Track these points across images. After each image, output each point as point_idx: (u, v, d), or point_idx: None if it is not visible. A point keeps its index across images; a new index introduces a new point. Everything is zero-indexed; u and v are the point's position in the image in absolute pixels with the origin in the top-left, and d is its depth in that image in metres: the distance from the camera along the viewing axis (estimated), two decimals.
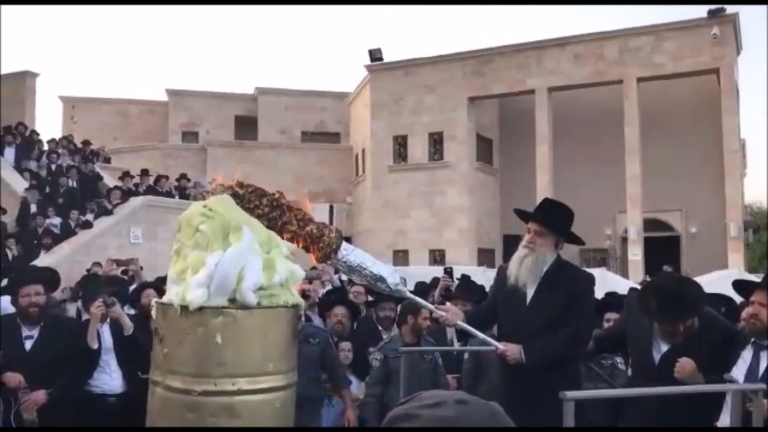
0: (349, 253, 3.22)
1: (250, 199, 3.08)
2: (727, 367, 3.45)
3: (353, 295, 7.21)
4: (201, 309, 2.67)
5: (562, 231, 3.80)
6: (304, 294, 3.47)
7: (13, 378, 4.33)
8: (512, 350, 3.65)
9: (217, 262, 2.69)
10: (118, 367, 4.90)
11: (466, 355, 5.21)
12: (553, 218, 3.80)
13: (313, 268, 4.75)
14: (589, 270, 4.49)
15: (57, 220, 14.50)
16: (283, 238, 3.01)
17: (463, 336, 4.16)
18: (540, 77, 23.12)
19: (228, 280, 2.68)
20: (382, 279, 3.26)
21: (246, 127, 30.69)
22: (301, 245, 3.14)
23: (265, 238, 2.86)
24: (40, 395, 4.43)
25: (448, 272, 7.26)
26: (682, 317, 3.50)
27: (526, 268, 3.71)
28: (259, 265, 2.76)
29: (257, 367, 2.74)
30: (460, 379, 5.22)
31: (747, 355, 3.42)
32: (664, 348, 3.62)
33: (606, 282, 10.39)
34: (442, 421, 1.02)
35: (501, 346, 3.70)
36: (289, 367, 2.88)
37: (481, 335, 3.77)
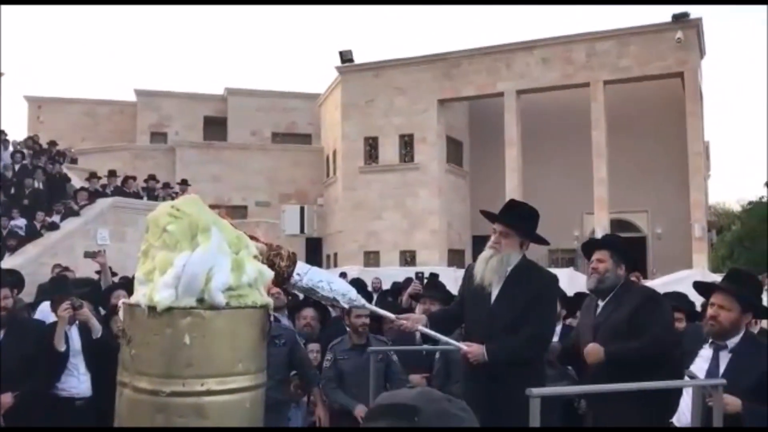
0: (302, 276, 3.22)
1: None
2: (647, 327, 3.77)
3: None
4: (169, 310, 2.66)
5: (526, 232, 3.87)
6: (271, 296, 3.48)
7: None
8: (475, 350, 3.71)
9: (185, 262, 2.69)
10: (86, 370, 4.85)
11: (437, 355, 5.26)
12: (518, 219, 3.87)
13: None
14: (557, 270, 4.59)
15: (22, 222, 14.26)
16: None
17: (427, 339, 4.22)
18: (509, 80, 23.36)
19: (196, 280, 2.68)
20: (340, 296, 3.28)
21: (215, 128, 30.48)
22: None
23: (233, 239, 2.86)
24: (7, 398, 4.40)
25: (419, 277, 7.33)
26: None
27: (491, 268, 3.78)
28: (228, 265, 2.76)
29: (226, 368, 2.74)
30: (429, 378, 5.26)
31: (706, 353, 3.51)
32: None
33: (574, 282, 10.52)
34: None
35: (464, 346, 3.76)
36: (259, 367, 2.88)
37: (443, 338, 3.80)
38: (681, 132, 21.71)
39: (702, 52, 22.89)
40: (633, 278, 4.66)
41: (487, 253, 3.84)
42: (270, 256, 3.12)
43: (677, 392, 3.55)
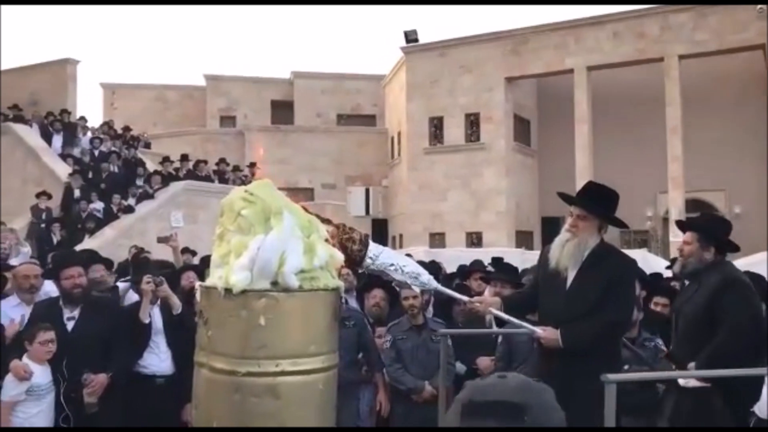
0: (374, 260, 3.23)
1: None
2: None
3: None
4: (244, 292, 2.72)
5: (605, 215, 3.76)
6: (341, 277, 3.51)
7: (18, 367, 4.25)
8: (549, 335, 3.63)
9: (259, 246, 2.73)
10: (167, 348, 4.95)
11: (500, 338, 5.22)
12: (597, 202, 3.75)
13: None
14: (630, 252, 4.45)
15: (100, 205, 14.81)
16: None
17: (502, 323, 4.16)
18: (578, 56, 22.74)
19: (270, 263, 2.72)
20: (412, 278, 3.29)
21: (282, 111, 30.87)
22: None
23: (305, 223, 2.89)
24: (103, 378, 4.50)
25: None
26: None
27: (568, 252, 3.68)
28: (300, 248, 2.79)
29: (299, 349, 2.78)
30: (496, 360, 5.23)
31: None
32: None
33: (647, 264, 10.26)
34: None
35: (539, 330, 3.69)
36: (331, 348, 2.91)
37: (516, 321, 3.74)
38: (761, 107, 20.73)
39: None
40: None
41: (563, 236, 3.74)
42: (342, 240, 3.14)
43: (760, 380, 3.41)
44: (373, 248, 3.23)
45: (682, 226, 4.21)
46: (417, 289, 3.41)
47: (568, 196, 3.84)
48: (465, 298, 3.86)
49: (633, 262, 3.89)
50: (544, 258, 3.90)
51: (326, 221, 3.14)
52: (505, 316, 3.72)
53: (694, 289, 3.86)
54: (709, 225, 4.08)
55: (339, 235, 3.15)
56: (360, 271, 3.41)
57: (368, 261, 3.20)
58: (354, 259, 3.18)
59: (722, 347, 3.58)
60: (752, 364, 3.30)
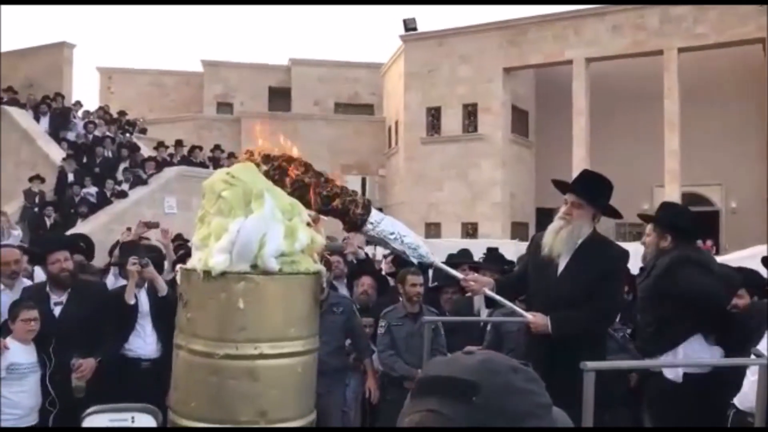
0: (375, 226, 3.20)
1: (273, 177, 3.06)
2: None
3: (386, 266, 7.23)
4: (223, 274, 2.70)
5: (600, 203, 3.74)
6: (329, 265, 3.48)
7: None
8: (539, 320, 3.62)
9: (239, 228, 2.71)
10: (153, 331, 4.94)
11: (488, 326, 5.21)
12: (592, 190, 3.74)
13: (329, 237, 4.78)
14: (626, 244, 4.45)
15: (93, 190, 14.76)
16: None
17: (492, 304, 4.15)
18: (578, 48, 22.66)
19: (250, 246, 2.70)
20: (410, 250, 3.25)
21: (280, 98, 30.75)
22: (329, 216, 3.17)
23: (287, 206, 2.87)
24: (91, 362, 4.49)
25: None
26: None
27: (561, 239, 3.67)
28: (281, 232, 2.77)
29: (279, 332, 2.77)
30: (482, 349, 5.23)
31: None
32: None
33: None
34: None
35: (529, 316, 3.67)
36: (311, 332, 2.90)
37: (509, 304, 3.74)
38: (760, 103, 20.66)
39: None
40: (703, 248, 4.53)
41: (557, 223, 3.73)
42: (345, 202, 3.11)
43: (738, 371, 3.41)
44: (375, 215, 3.21)
45: (643, 219, 4.35)
46: (416, 261, 3.36)
47: (563, 183, 3.82)
48: (460, 275, 3.80)
49: (626, 253, 3.89)
50: (535, 245, 3.89)
51: (330, 181, 3.12)
52: (498, 297, 3.69)
53: (648, 271, 3.93)
54: (663, 215, 4.15)
55: (342, 197, 3.12)
56: (360, 233, 3.36)
57: (369, 226, 3.18)
58: (355, 222, 3.15)
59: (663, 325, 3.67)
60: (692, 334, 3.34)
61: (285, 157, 3.19)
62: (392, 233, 3.23)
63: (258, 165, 3.10)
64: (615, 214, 3.81)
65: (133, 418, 2.64)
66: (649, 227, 4.11)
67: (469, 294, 4.55)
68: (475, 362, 0.97)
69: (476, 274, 4.49)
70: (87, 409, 2.66)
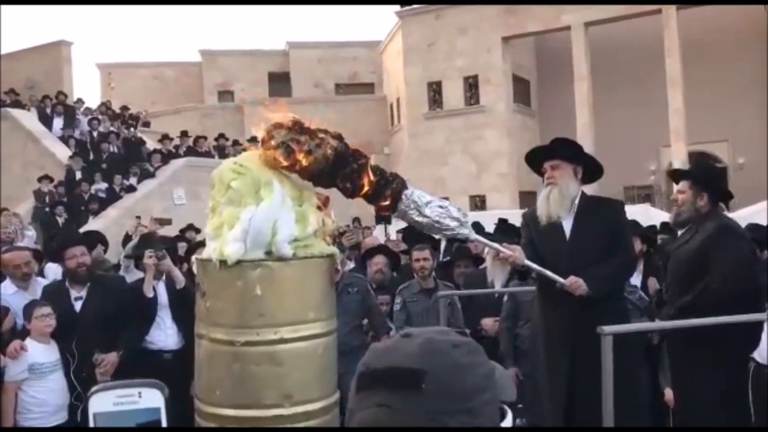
0: (410, 196, 2.94)
1: (309, 151, 2.82)
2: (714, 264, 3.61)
3: (393, 244, 7.27)
4: (239, 263, 2.74)
5: (574, 158, 3.79)
6: (341, 246, 3.43)
7: (11, 345, 4.23)
8: (574, 283, 3.54)
9: (251, 216, 2.74)
10: (173, 323, 4.98)
11: (505, 297, 5.24)
12: (563, 149, 3.83)
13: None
14: (633, 207, 4.48)
15: (103, 186, 14.84)
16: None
17: (524, 275, 4.10)
18: (575, 12, 22.43)
19: (262, 233, 2.74)
20: (456, 220, 3.04)
21: (279, 83, 30.66)
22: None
23: (296, 193, 2.90)
24: (114, 357, 4.55)
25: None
26: None
27: (554, 200, 3.72)
28: (292, 217, 2.80)
29: (297, 316, 2.80)
30: (499, 321, 5.26)
31: None
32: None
33: (650, 218, 10.28)
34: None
35: (564, 281, 3.57)
36: (329, 314, 2.94)
37: (548, 272, 3.60)
38: (761, 56, 20.50)
39: None
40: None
41: (545, 191, 3.80)
42: (379, 182, 2.85)
43: (758, 327, 3.44)
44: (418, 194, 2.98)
45: (674, 175, 4.24)
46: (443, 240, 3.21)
47: (536, 150, 3.89)
48: (498, 246, 3.55)
49: (622, 203, 4.02)
50: (530, 221, 3.90)
51: (357, 152, 2.87)
52: (536, 267, 3.58)
53: (691, 234, 3.88)
54: (701, 173, 4.07)
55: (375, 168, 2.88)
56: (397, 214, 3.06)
57: (405, 201, 2.93)
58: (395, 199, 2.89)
59: (705, 295, 3.60)
60: (740, 311, 3.31)
61: (321, 129, 2.93)
62: (431, 202, 3.01)
63: (291, 132, 2.85)
64: (596, 165, 3.87)
65: (140, 393, 2.68)
66: (682, 184, 3.93)
67: (483, 266, 4.56)
68: (415, 347, 0.95)
69: (513, 246, 4.45)
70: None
